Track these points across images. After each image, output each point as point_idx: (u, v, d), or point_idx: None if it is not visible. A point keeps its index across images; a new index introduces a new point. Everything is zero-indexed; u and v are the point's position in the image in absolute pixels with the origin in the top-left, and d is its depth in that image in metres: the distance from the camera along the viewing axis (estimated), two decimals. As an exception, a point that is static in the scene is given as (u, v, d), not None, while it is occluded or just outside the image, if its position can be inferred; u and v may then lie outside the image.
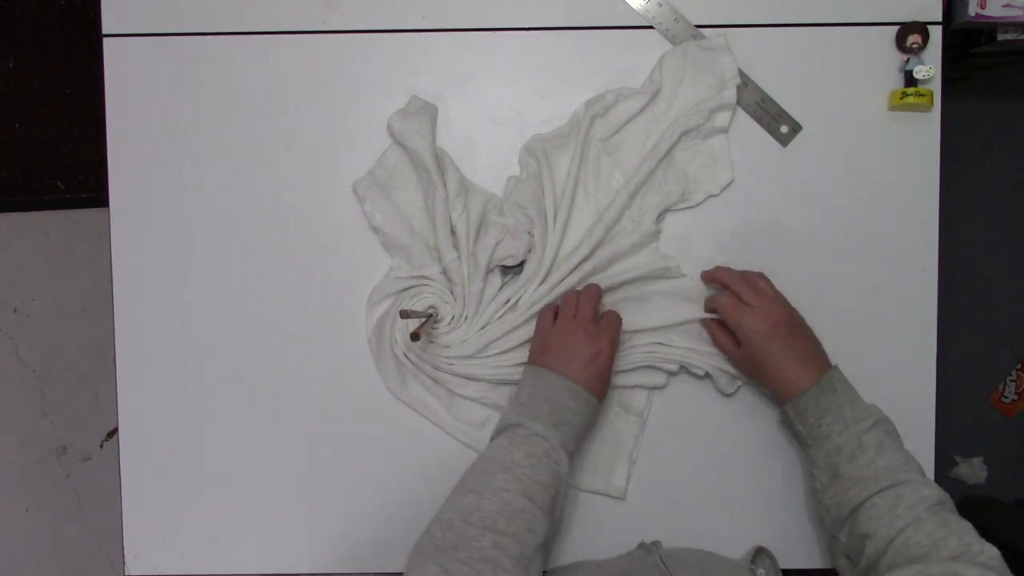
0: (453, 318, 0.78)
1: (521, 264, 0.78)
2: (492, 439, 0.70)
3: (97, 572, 1.69)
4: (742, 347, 0.73)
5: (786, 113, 0.79)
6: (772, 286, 0.75)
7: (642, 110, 0.78)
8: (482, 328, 0.77)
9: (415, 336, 0.71)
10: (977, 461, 1.60)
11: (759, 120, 0.79)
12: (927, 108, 0.77)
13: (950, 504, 0.64)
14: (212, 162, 0.80)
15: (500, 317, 0.77)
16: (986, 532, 0.62)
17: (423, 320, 0.74)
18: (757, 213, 0.79)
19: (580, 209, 0.78)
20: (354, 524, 0.80)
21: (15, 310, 1.68)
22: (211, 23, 0.79)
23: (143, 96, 0.80)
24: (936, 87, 0.77)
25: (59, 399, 1.68)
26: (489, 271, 0.77)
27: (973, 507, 1.54)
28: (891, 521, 0.63)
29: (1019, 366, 1.59)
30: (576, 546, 0.79)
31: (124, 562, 0.81)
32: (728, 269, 0.77)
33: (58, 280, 1.67)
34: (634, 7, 0.79)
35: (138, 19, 0.79)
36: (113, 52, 0.80)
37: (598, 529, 0.79)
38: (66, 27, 1.64)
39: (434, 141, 0.78)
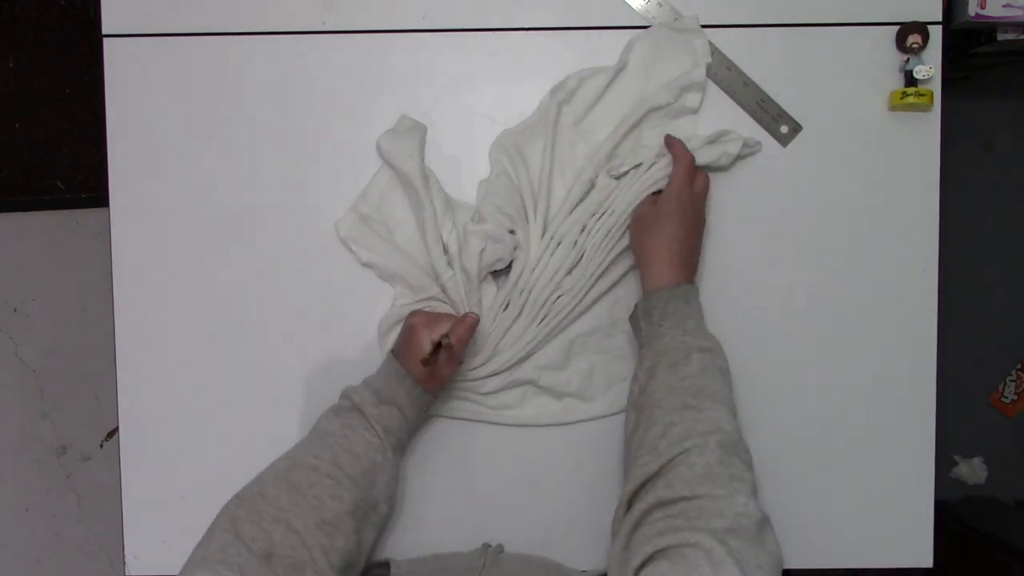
0: None
1: (510, 265, 0.78)
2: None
3: (97, 572, 1.69)
4: (651, 214, 0.73)
5: (786, 113, 0.79)
6: (705, 189, 0.75)
7: (608, 87, 0.78)
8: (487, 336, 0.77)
9: (426, 362, 0.70)
10: (977, 461, 1.60)
11: (759, 120, 0.79)
12: (927, 108, 0.77)
13: (747, 456, 0.62)
14: (212, 162, 0.80)
15: (495, 319, 0.77)
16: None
17: (436, 348, 0.73)
18: (757, 213, 0.79)
19: (558, 198, 0.78)
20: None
21: (15, 310, 1.68)
22: (211, 23, 0.79)
23: (143, 96, 0.80)
24: (936, 87, 0.77)
25: (59, 399, 1.68)
26: (482, 280, 0.77)
27: (973, 507, 1.54)
28: (681, 440, 0.60)
29: (1019, 366, 1.59)
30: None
31: (124, 562, 0.81)
32: (683, 149, 0.74)
33: (58, 280, 1.67)
34: (634, 7, 0.79)
35: (138, 19, 0.79)
36: (113, 52, 0.80)
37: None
38: (66, 27, 1.63)
39: (422, 161, 0.78)
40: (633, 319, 0.74)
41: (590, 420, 0.80)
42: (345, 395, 0.72)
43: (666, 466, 0.60)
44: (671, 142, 0.75)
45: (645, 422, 0.65)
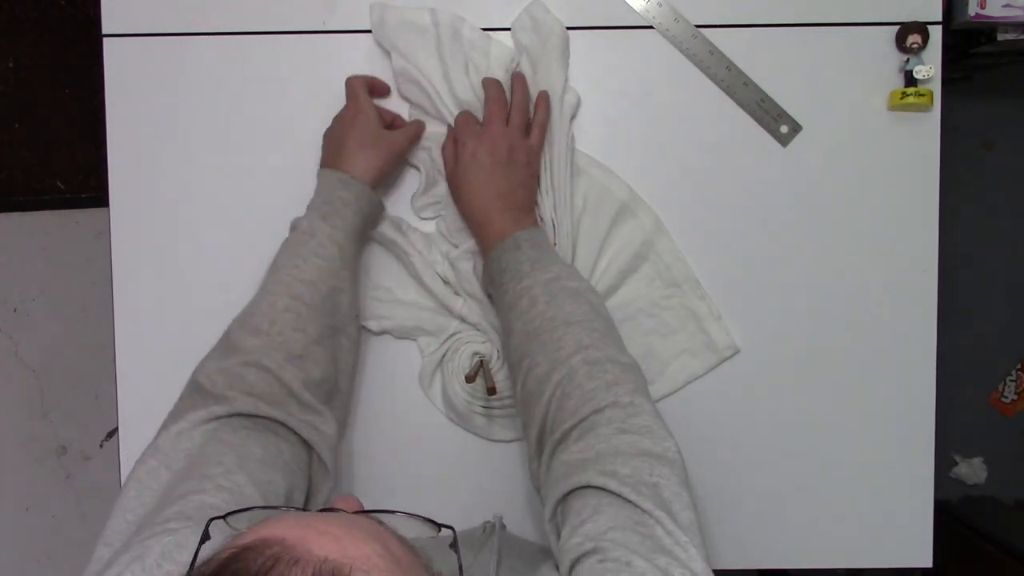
0: (498, 353, 0.77)
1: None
2: None
3: (97, 572, 1.69)
4: (455, 170, 0.71)
5: (786, 113, 0.79)
6: (523, 123, 0.71)
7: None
8: None
9: (492, 391, 0.71)
10: (977, 461, 1.60)
11: (759, 120, 0.79)
12: (927, 108, 0.77)
13: (625, 357, 0.59)
14: (212, 162, 0.80)
15: None
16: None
17: (478, 368, 0.74)
18: (757, 213, 0.79)
19: None
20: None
21: (15, 310, 1.68)
22: (211, 23, 0.79)
23: (143, 96, 0.80)
24: (936, 87, 0.77)
25: (59, 399, 1.68)
26: (489, 296, 0.77)
27: (973, 507, 1.54)
28: (549, 375, 0.58)
29: (1019, 366, 1.59)
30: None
31: (124, 562, 0.81)
32: (493, 88, 0.72)
33: (58, 280, 1.67)
34: (634, 7, 0.79)
35: (138, 19, 0.79)
36: (113, 52, 0.80)
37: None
38: (66, 27, 1.64)
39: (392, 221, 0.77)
40: (483, 285, 0.71)
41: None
42: (292, 225, 0.69)
43: (549, 407, 0.58)
44: (485, 84, 0.72)
45: (519, 377, 0.62)
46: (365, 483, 0.80)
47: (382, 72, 0.79)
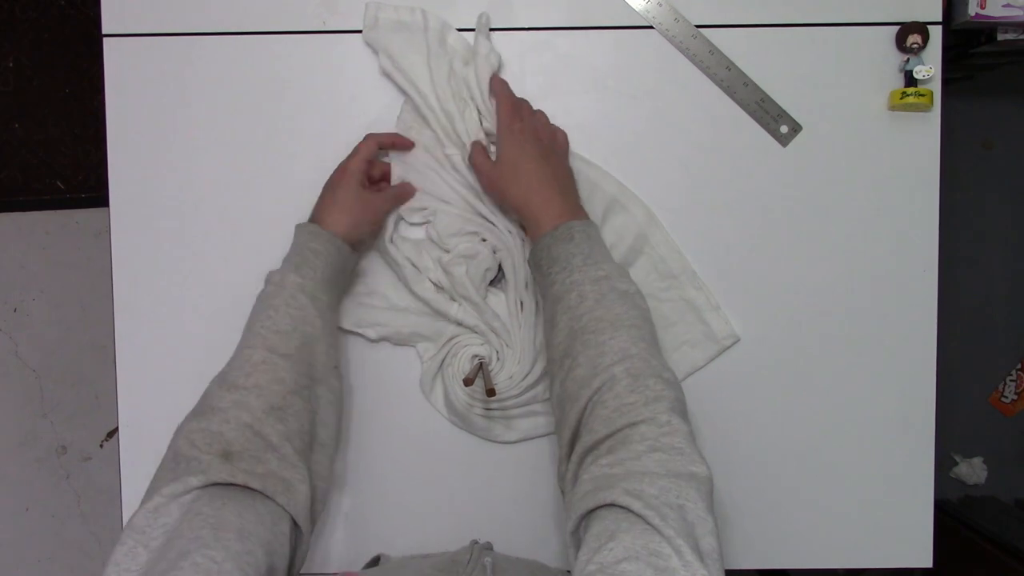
0: (497, 355, 0.77)
1: (501, 270, 0.78)
2: None
3: (97, 572, 1.69)
4: (496, 164, 0.71)
5: (786, 113, 0.79)
6: (546, 118, 0.74)
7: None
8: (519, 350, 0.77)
9: (491, 392, 0.70)
10: (977, 461, 1.60)
11: (759, 120, 0.79)
12: (927, 108, 0.77)
13: (667, 374, 0.58)
14: (212, 162, 0.80)
15: (520, 323, 0.77)
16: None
17: (477, 370, 0.74)
18: (757, 213, 0.79)
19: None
20: (353, 523, 0.80)
21: (15, 310, 1.68)
22: (211, 23, 0.79)
23: (143, 96, 0.80)
24: (936, 87, 0.77)
25: (59, 399, 1.69)
26: (484, 297, 0.77)
27: (973, 507, 1.54)
28: (590, 380, 0.57)
29: (1019, 366, 1.59)
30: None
31: (124, 562, 0.81)
32: (505, 87, 0.74)
33: (58, 280, 1.68)
34: (634, 7, 0.79)
35: (138, 19, 0.79)
36: (113, 52, 0.80)
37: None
38: (66, 27, 1.64)
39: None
40: (530, 271, 0.71)
41: None
42: (266, 279, 0.69)
43: (584, 412, 0.57)
44: (493, 83, 0.74)
45: (559, 374, 0.62)
46: (369, 490, 0.80)
47: (382, 74, 0.79)
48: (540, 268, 0.66)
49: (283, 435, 0.59)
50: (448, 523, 0.80)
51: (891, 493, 0.80)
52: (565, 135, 0.76)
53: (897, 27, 0.77)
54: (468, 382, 0.72)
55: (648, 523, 0.46)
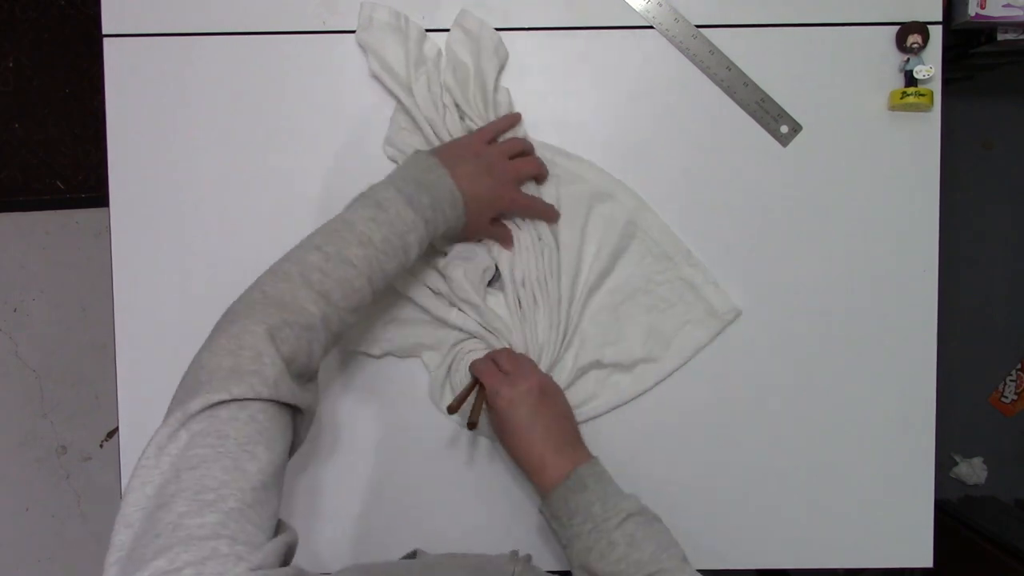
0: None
1: (498, 271, 0.78)
2: (355, 203, 0.65)
3: (97, 572, 1.68)
4: (494, 419, 0.71)
5: (786, 113, 0.79)
6: (534, 363, 0.74)
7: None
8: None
9: (472, 425, 0.70)
10: (977, 461, 1.60)
11: (759, 120, 0.79)
12: (927, 108, 0.77)
13: None
14: (212, 162, 0.80)
15: (521, 322, 0.77)
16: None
17: (467, 394, 0.73)
18: (757, 213, 0.79)
19: None
20: (354, 524, 0.80)
21: (15, 310, 1.68)
22: (211, 23, 0.79)
23: (143, 96, 0.80)
24: (936, 87, 0.77)
25: (59, 399, 1.69)
26: (484, 299, 0.77)
27: (973, 507, 1.54)
28: None
29: (1019, 366, 1.59)
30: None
31: (124, 562, 0.81)
32: (486, 364, 0.73)
33: (58, 280, 1.68)
34: (634, 7, 0.79)
35: (138, 19, 0.79)
36: (113, 52, 0.80)
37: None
38: (66, 27, 1.64)
39: None
40: (545, 518, 0.71)
41: (666, 379, 0.79)
42: (389, 200, 0.63)
43: None
44: (475, 370, 0.73)
45: None
46: (382, 501, 0.80)
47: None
48: (559, 520, 0.67)
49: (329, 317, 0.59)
50: (468, 527, 0.80)
51: (891, 493, 0.80)
52: (551, 381, 0.74)
53: (897, 27, 0.77)
54: (452, 409, 0.70)
55: None
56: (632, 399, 0.79)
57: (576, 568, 0.66)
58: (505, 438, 0.71)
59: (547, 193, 0.78)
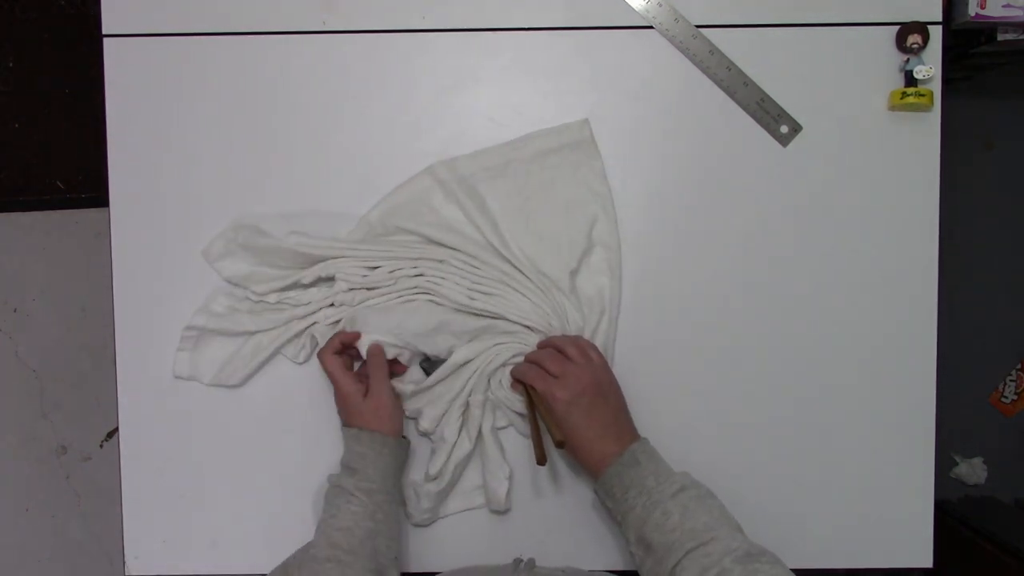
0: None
1: (440, 360, 0.78)
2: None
3: (97, 572, 1.69)
4: (548, 419, 0.72)
5: (786, 113, 0.79)
6: (584, 352, 0.73)
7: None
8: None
9: (542, 461, 0.72)
10: (977, 461, 1.60)
11: (759, 120, 0.79)
12: (927, 108, 0.77)
13: (767, 556, 0.61)
14: (212, 162, 0.80)
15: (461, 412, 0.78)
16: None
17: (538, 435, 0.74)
18: (757, 213, 0.79)
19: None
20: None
21: (15, 310, 1.68)
22: (211, 23, 0.79)
23: (143, 96, 0.80)
24: (936, 87, 0.77)
25: (59, 399, 1.68)
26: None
27: (973, 507, 1.54)
28: None
29: (1019, 366, 1.59)
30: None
31: (124, 562, 0.81)
32: (530, 370, 0.74)
33: (58, 280, 1.67)
34: (634, 7, 0.79)
35: (138, 19, 0.79)
36: (113, 52, 0.80)
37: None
38: (66, 27, 1.63)
39: None
40: (599, 499, 0.73)
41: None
42: (328, 480, 0.74)
43: None
44: (521, 375, 0.75)
45: None
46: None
47: (382, 75, 0.79)
48: (613, 496, 0.69)
49: None
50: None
51: (891, 493, 0.80)
52: (596, 352, 0.75)
53: (897, 27, 0.77)
54: (542, 460, 0.72)
55: None
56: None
57: (632, 541, 0.67)
58: (566, 433, 0.71)
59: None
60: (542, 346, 0.76)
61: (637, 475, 0.68)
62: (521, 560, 0.72)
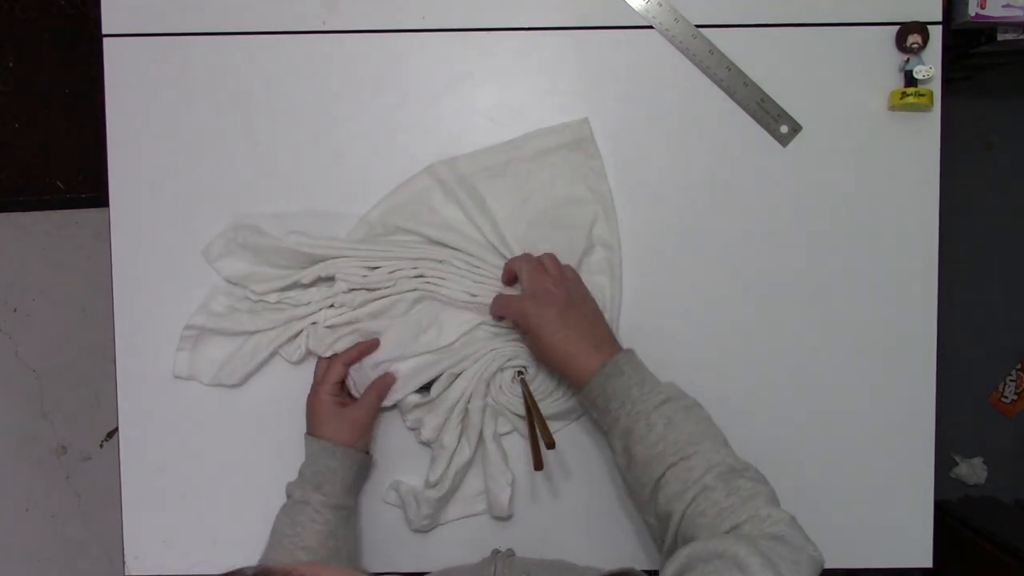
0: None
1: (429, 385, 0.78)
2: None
3: (97, 572, 1.69)
4: (527, 339, 0.73)
5: (786, 113, 0.79)
6: (557, 264, 0.73)
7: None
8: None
9: (539, 466, 0.71)
10: (977, 461, 1.60)
11: (759, 120, 0.79)
12: (927, 108, 0.77)
13: (751, 471, 0.61)
14: (212, 162, 0.80)
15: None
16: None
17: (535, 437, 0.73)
18: (757, 213, 0.79)
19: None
20: (365, 541, 0.80)
21: (15, 310, 1.68)
22: (211, 23, 0.79)
23: (143, 96, 0.80)
24: (936, 87, 0.77)
25: (59, 399, 1.68)
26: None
27: (973, 507, 1.54)
28: (682, 494, 0.60)
29: (1019, 366, 1.59)
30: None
31: (124, 562, 0.81)
32: (511, 262, 0.75)
33: (58, 280, 1.67)
34: (634, 7, 0.79)
35: (138, 19, 0.79)
36: (113, 52, 0.80)
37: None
38: (66, 27, 1.63)
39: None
40: (584, 409, 0.73)
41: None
42: (287, 492, 0.74)
43: (680, 523, 0.60)
44: (507, 268, 0.75)
45: (649, 503, 0.64)
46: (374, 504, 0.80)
47: (382, 75, 0.79)
48: (597, 406, 0.69)
49: None
50: (460, 536, 0.81)
51: (891, 493, 0.80)
52: (572, 269, 0.75)
53: (897, 27, 0.77)
54: (539, 465, 0.71)
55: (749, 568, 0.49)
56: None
57: (618, 451, 0.67)
58: (541, 354, 0.72)
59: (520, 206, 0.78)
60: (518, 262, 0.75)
61: (621, 385, 0.66)
62: (499, 551, 0.73)
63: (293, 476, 0.81)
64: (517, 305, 0.72)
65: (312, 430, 0.75)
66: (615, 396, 0.66)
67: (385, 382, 0.77)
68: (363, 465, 0.76)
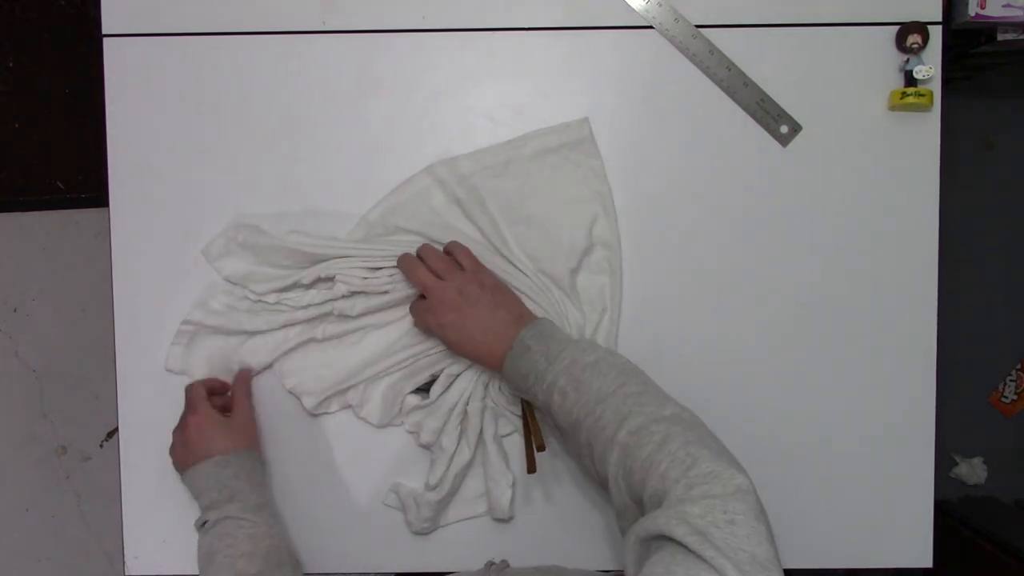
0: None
1: (431, 381, 0.78)
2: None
3: (97, 572, 1.69)
4: (438, 335, 0.73)
5: (786, 113, 0.79)
6: (437, 259, 0.72)
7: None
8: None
9: (532, 469, 0.72)
10: (977, 461, 1.60)
11: (759, 120, 0.79)
12: (927, 108, 0.77)
13: (666, 410, 0.60)
14: (212, 162, 0.80)
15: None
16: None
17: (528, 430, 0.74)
18: (757, 213, 0.79)
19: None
20: (353, 523, 0.80)
21: (15, 310, 1.68)
22: (211, 23, 0.79)
23: (143, 96, 0.80)
24: (936, 87, 0.77)
25: (59, 399, 1.68)
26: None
27: (973, 507, 1.54)
28: (604, 457, 0.59)
29: (1019, 366, 1.59)
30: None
31: (124, 562, 0.81)
32: (401, 266, 0.75)
33: (58, 280, 1.67)
34: (634, 7, 0.79)
35: (138, 19, 0.79)
36: (113, 52, 0.80)
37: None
38: (66, 27, 1.63)
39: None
40: (513, 393, 0.73)
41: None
42: (197, 525, 0.72)
43: (620, 489, 0.59)
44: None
45: (590, 468, 0.64)
46: (370, 508, 0.80)
47: (382, 75, 0.79)
48: (520, 388, 0.69)
49: None
50: (454, 539, 0.80)
51: (891, 493, 0.80)
52: (469, 258, 0.74)
53: (897, 27, 0.77)
54: (532, 468, 0.72)
55: (691, 550, 0.46)
56: None
57: (553, 428, 0.66)
58: (456, 349, 0.72)
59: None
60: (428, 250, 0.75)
61: (530, 361, 0.65)
62: (493, 563, 0.72)
63: (292, 476, 0.81)
64: (421, 319, 0.73)
65: (196, 459, 0.73)
66: (528, 374, 0.65)
67: (243, 376, 0.78)
68: (259, 462, 0.76)
